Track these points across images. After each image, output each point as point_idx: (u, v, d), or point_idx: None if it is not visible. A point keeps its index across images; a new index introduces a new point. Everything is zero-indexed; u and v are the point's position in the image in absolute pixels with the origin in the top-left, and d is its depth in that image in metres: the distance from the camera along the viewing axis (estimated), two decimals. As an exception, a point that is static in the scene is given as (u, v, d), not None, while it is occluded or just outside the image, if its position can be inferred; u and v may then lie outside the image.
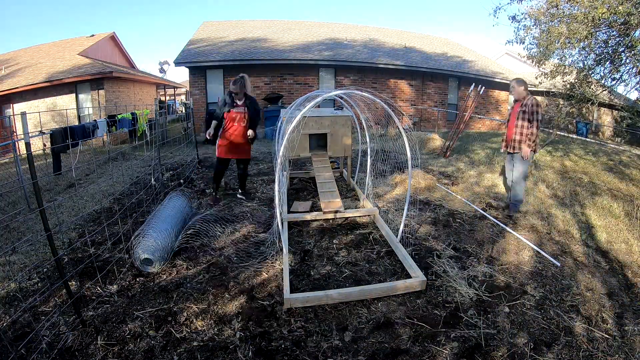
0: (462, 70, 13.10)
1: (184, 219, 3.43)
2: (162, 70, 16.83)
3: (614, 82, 6.73)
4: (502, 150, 4.28)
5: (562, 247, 3.39)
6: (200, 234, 3.16)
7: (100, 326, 2.16)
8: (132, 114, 7.35)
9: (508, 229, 3.72)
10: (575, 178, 5.93)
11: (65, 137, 4.95)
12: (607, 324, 2.28)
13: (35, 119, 9.29)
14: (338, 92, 3.32)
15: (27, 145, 2.04)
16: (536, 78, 7.93)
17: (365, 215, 3.90)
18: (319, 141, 5.01)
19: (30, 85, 10.92)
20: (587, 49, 6.16)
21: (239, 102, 4.12)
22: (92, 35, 16.40)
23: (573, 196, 4.93)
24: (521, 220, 3.98)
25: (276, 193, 2.33)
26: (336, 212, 3.71)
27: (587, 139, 9.74)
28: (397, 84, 12.33)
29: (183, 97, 24.32)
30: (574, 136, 7.49)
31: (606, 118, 16.88)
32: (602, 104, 11.77)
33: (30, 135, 2.07)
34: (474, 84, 8.12)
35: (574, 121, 14.05)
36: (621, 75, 6.44)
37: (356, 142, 5.00)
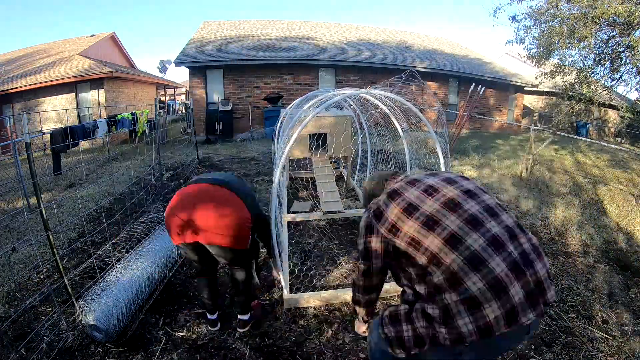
0: (461, 71, 13.14)
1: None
2: (163, 69, 16.81)
3: (614, 82, 6.74)
4: None
5: (563, 247, 3.39)
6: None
7: (100, 326, 2.16)
8: (132, 114, 7.34)
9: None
10: (577, 175, 5.93)
11: (65, 137, 4.94)
12: (607, 324, 2.28)
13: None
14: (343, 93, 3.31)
15: (27, 145, 2.04)
16: (536, 78, 7.93)
17: (365, 215, 3.89)
18: (319, 141, 5.01)
19: (29, 85, 10.92)
20: (587, 49, 6.16)
21: None
22: (92, 35, 16.40)
23: (573, 194, 4.93)
24: (521, 219, 3.98)
25: (274, 192, 2.33)
26: (337, 212, 3.71)
27: (588, 139, 9.78)
28: (393, 83, 12.33)
29: (183, 97, 24.30)
30: (574, 136, 7.49)
31: (608, 118, 16.87)
32: (602, 104, 11.80)
33: (30, 135, 2.07)
34: (473, 84, 8.12)
35: (574, 122, 14.07)
36: (621, 75, 6.45)
37: (356, 142, 5.02)
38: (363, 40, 14.43)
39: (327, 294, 2.43)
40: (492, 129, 14.13)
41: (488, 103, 14.04)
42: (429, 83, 12.91)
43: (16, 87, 10.92)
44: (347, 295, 2.44)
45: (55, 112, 10.60)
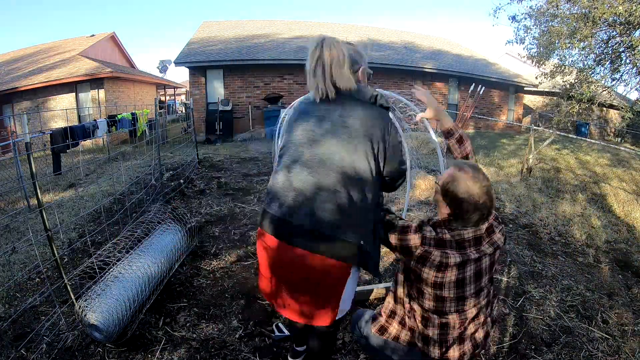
0: (468, 72, 13.14)
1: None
2: (163, 69, 16.82)
3: (614, 82, 6.74)
4: None
5: (563, 247, 3.39)
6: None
7: (100, 326, 2.16)
8: (132, 114, 7.34)
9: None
10: (578, 174, 5.93)
11: (65, 137, 4.95)
12: (607, 324, 2.28)
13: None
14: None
15: (27, 145, 2.04)
16: (536, 78, 7.93)
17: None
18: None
19: (30, 85, 10.94)
20: (587, 49, 6.16)
21: None
22: (92, 35, 16.40)
23: (574, 193, 4.93)
24: (521, 219, 3.98)
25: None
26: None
27: (588, 139, 9.78)
28: (397, 84, 12.34)
29: (183, 97, 24.31)
30: (575, 136, 7.50)
31: (609, 117, 16.85)
32: (602, 104, 11.83)
33: (30, 135, 2.07)
34: (473, 84, 8.11)
35: (575, 122, 14.07)
36: (621, 75, 6.45)
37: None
38: (364, 40, 14.43)
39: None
40: (497, 128, 14.17)
41: (492, 103, 14.07)
42: (434, 83, 12.92)
43: (16, 87, 10.93)
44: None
45: (58, 112, 10.60)
